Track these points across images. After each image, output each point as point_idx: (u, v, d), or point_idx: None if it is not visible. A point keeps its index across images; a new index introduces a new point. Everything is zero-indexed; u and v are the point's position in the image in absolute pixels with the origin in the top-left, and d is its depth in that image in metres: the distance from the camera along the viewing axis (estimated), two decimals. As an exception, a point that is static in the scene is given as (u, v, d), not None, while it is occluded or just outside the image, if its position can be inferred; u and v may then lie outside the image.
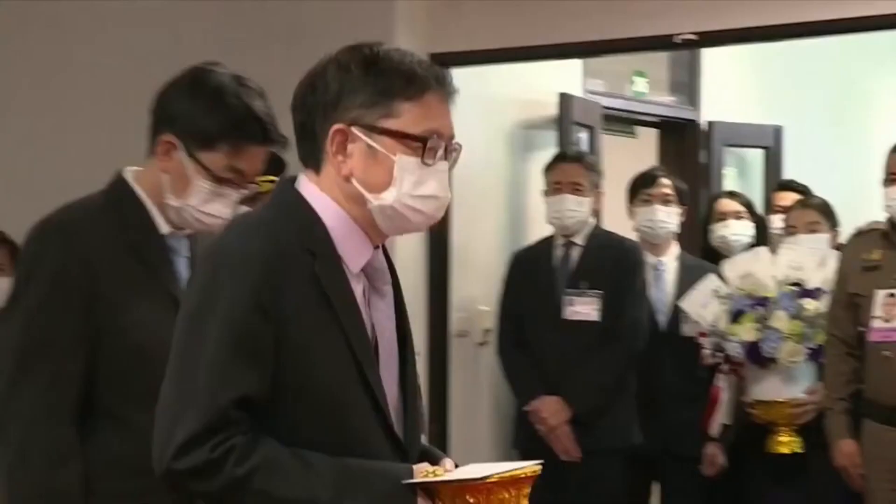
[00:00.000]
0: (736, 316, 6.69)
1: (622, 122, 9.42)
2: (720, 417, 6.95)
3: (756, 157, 9.99)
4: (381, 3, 7.17)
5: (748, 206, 7.87)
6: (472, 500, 2.87)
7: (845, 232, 6.99)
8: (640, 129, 9.94)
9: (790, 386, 6.62)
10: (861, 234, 6.52)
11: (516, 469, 2.92)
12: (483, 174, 7.46)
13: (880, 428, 5.96)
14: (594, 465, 6.71)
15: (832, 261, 6.67)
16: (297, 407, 2.78)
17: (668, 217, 7.28)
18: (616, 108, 8.89)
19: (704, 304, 6.85)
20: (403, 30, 7.09)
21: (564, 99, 7.94)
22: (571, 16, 6.93)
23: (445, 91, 2.90)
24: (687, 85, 9.60)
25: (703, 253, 7.74)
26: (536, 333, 6.52)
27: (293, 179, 2.95)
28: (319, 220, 2.87)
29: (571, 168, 6.97)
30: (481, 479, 2.85)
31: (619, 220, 7.49)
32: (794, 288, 6.75)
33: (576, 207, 6.76)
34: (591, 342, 6.78)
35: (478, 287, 7.53)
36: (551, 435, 6.66)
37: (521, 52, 7.16)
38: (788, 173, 9.43)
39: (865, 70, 10.88)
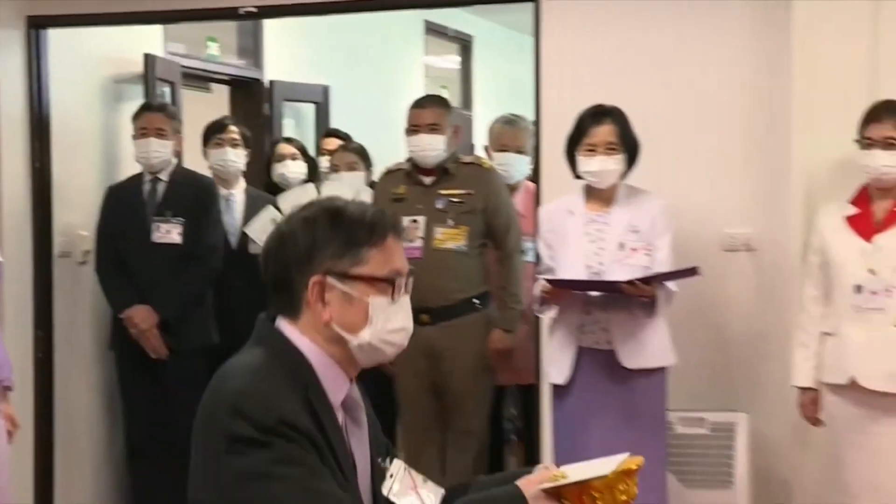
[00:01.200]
0: None
1: (199, 79, 9.94)
2: None
3: (309, 110, 10.88)
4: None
5: (302, 149, 8.67)
6: (596, 495, 3.06)
7: (378, 171, 7.65)
8: (215, 86, 10.54)
9: None
10: (389, 173, 7.22)
11: (623, 462, 3.11)
12: (80, 120, 7.91)
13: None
14: (180, 361, 7.24)
15: (365, 194, 7.32)
16: None
17: (237, 157, 7.83)
18: (193, 68, 9.48)
19: (264, 230, 7.16)
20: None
21: (148, 59, 8.39)
22: (154, -13, 7.44)
23: (398, 234, 3.10)
24: (252, 49, 10.30)
25: (266, 187, 8.36)
26: (129, 254, 7.00)
27: (272, 320, 3.07)
28: (304, 358, 2.97)
29: (155, 116, 7.42)
30: (602, 476, 3.05)
31: (197, 161, 8.00)
32: None
33: (159, 149, 7.26)
34: (175, 261, 7.32)
35: (78, 216, 7.78)
36: (142, 337, 7.10)
37: (110, 17, 7.48)
38: (334, 123, 10.39)
39: (397, 41, 12.25)
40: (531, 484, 3.02)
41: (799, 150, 6.30)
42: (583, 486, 2.99)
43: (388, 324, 2.97)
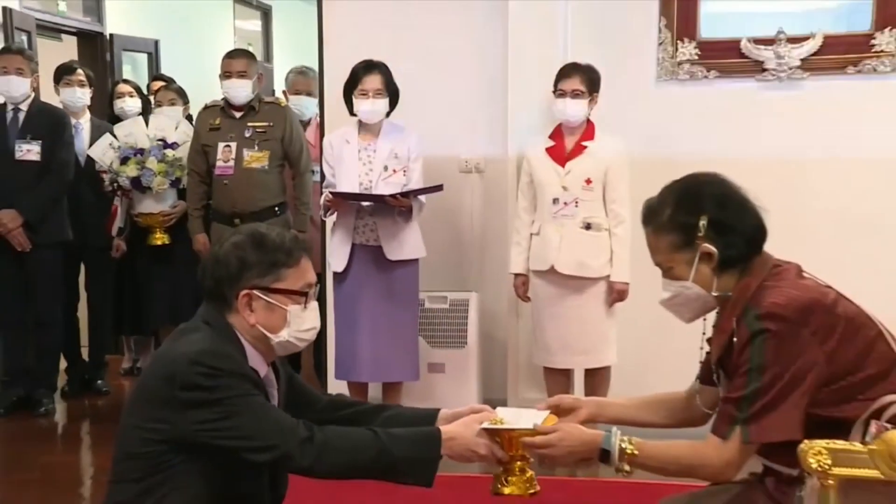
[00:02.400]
0: (124, 160, 7.31)
1: (51, 31, 9.60)
2: (118, 223, 7.64)
3: (143, 58, 10.78)
4: None
5: (137, 89, 8.46)
6: (520, 445, 3.09)
7: (195, 108, 7.67)
8: (65, 38, 10.08)
9: (160, 203, 7.38)
10: (207, 108, 7.19)
11: (545, 419, 3.15)
12: None
13: (222, 227, 6.69)
14: (41, 253, 7.26)
15: (184, 125, 7.52)
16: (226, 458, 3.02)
17: (83, 95, 7.77)
18: (45, 21, 9.24)
19: (104, 152, 7.43)
20: None
21: (6, 11, 8.28)
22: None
23: (309, 255, 3.20)
24: (96, 7, 10.09)
25: (108, 118, 8.18)
26: (-1, 170, 7.19)
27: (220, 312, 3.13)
28: (240, 341, 3.08)
29: (14, 57, 7.31)
30: (529, 430, 3.09)
31: (51, 97, 7.64)
32: (160, 142, 7.40)
33: (19, 85, 7.12)
34: (35, 174, 7.24)
35: None
36: (10, 235, 7.06)
37: None
38: (163, 70, 10.25)
39: (213, 8, 11.89)
40: (464, 422, 3.13)
41: (513, 99, 6.51)
42: (513, 433, 3.04)
43: (302, 325, 3.13)
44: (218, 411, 2.89)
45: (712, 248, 2.91)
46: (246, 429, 2.92)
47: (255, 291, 3.04)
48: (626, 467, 2.86)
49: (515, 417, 2.98)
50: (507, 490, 3.07)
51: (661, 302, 3.11)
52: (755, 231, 2.96)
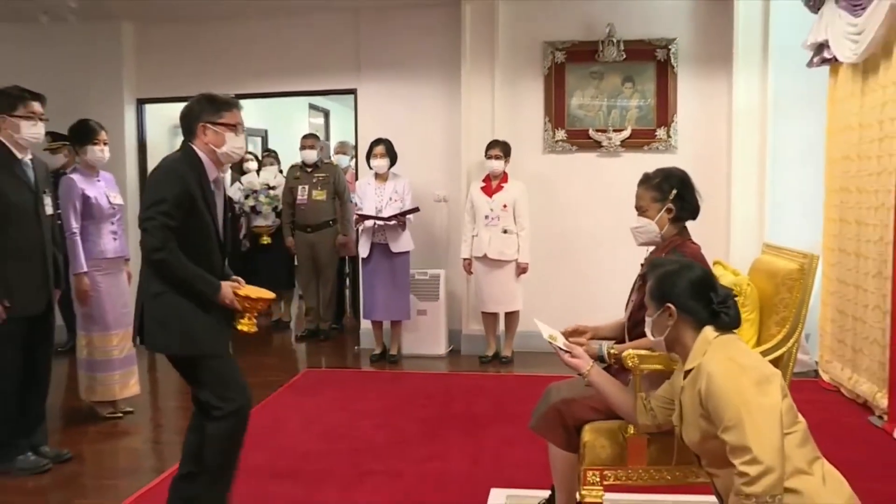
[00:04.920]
0: (246, 197, 7.46)
1: None
2: (243, 231, 7.67)
3: (259, 139, 10.30)
4: None
5: (255, 156, 8.31)
6: (247, 305, 3.17)
7: (286, 165, 7.35)
8: None
9: (266, 220, 7.48)
10: (292, 166, 7.08)
11: (265, 291, 3.24)
12: (157, 142, 7.67)
13: (300, 233, 6.79)
14: None
15: (280, 177, 7.35)
16: (191, 233, 3.06)
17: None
18: None
19: (235, 193, 7.54)
20: None
21: None
22: None
23: (237, 107, 3.19)
24: None
25: (239, 173, 8.10)
26: None
27: (188, 142, 3.15)
28: (198, 157, 3.12)
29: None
30: (263, 298, 3.21)
31: None
32: (265, 186, 7.48)
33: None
34: None
35: None
36: None
37: (169, 99, 7.09)
38: (269, 145, 10.03)
39: (295, 110, 11.23)
40: (230, 285, 3.17)
41: (464, 159, 6.67)
42: (248, 297, 3.17)
43: (234, 144, 3.18)
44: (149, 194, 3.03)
45: (673, 207, 2.99)
46: (150, 190, 3.05)
47: (208, 125, 3.13)
48: (611, 360, 2.86)
49: (545, 328, 2.80)
50: (240, 327, 3.20)
51: (631, 227, 3.10)
52: (695, 209, 3.04)
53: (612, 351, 2.84)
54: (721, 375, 2.15)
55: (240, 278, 3.26)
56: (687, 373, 2.31)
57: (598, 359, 2.84)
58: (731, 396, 2.11)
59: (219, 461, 3.12)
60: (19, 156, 3.87)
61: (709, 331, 2.31)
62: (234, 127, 3.14)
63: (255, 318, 3.23)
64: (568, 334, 2.97)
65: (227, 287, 3.09)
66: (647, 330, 2.41)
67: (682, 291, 2.31)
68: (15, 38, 7.05)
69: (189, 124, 3.13)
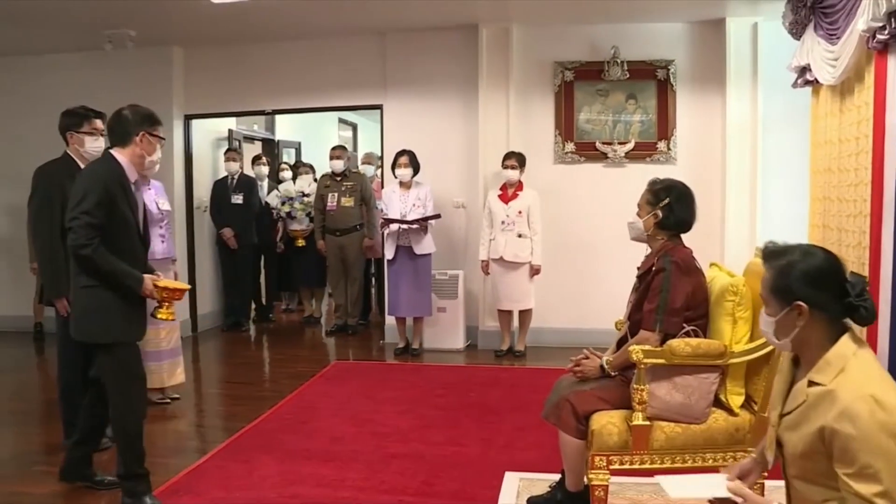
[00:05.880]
0: (282, 203, 7.44)
1: (249, 138, 8.94)
2: (280, 235, 7.67)
3: (293, 150, 10.12)
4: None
5: (290, 166, 8.40)
6: (165, 295, 3.21)
7: (318, 173, 7.30)
8: (256, 142, 9.35)
9: (300, 225, 7.43)
10: (323, 175, 7.02)
11: (181, 283, 3.30)
12: (203, 155, 7.67)
13: (330, 236, 6.78)
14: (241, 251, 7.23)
15: (313, 185, 7.25)
16: (114, 229, 3.08)
17: (265, 169, 7.86)
18: (248, 133, 8.82)
19: (273, 200, 7.55)
20: None
21: (230, 131, 8.06)
22: None
23: (161, 124, 3.25)
24: (272, 125, 9.54)
25: (276, 181, 8.00)
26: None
27: (110, 150, 3.19)
28: (118, 162, 3.14)
29: (234, 153, 7.33)
30: (179, 288, 3.25)
31: None
32: (300, 193, 7.44)
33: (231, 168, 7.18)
34: (244, 213, 7.32)
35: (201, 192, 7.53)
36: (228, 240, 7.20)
37: (215, 115, 7.31)
38: (303, 156, 9.94)
39: (327, 123, 11.10)
40: (151, 278, 3.19)
41: (481, 168, 6.60)
42: (166, 289, 3.18)
43: (159, 154, 3.27)
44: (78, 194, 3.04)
45: (660, 214, 2.95)
46: (75, 193, 3.05)
47: (145, 135, 3.19)
48: (610, 369, 2.90)
49: (676, 486, 2.03)
50: (160, 316, 3.23)
51: (628, 222, 3.08)
52: (682, 222, 2.96)
53: (609, 359, 2.91)
54: (864, 422, 1.67)
55: (159, 272, 3.32)
56: (811, 381, 1.82)
57: (600, 369, 2.89)
58: (873, 448, 1.66)
59: (122, 433, 3.20)
60: (83, 167, 3.91)
61: (847, 342, 1.81)
62: (162, 140, 3.23)
63: (173, 308, 3.24)
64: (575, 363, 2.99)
65: (148, 280, 3.13)
66: (766, 330, 1.91)
67: (811, 283, 1.79)
68: (83, 65, 7.15)
69: (126, 130, 3.16)
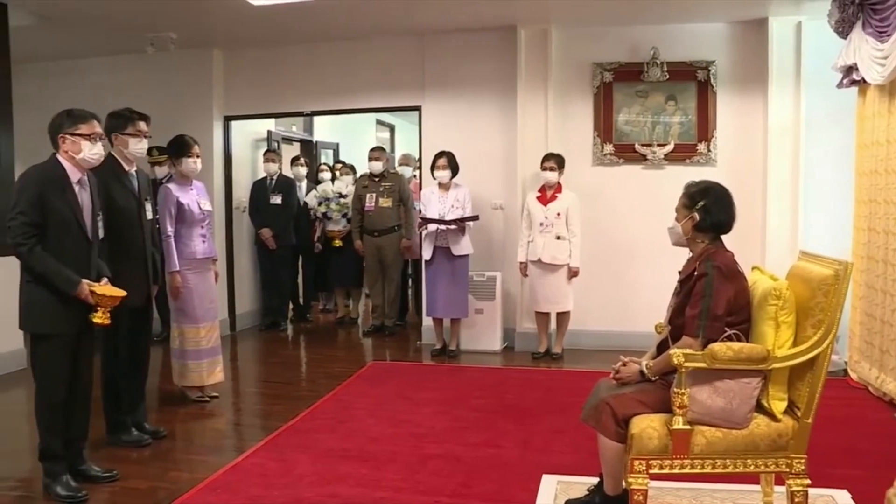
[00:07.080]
0: (320, 203, 7.44)
1: (288, 139, 9.05)
2: (318, 235, 7.67)
3: (331, 151, 10.20)
4: None
5: (329, 167, 8.40)
6: (99, 301, 3.24)
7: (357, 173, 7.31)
8: (295, 143, 9.42)
9: (337, 225, 7.44)
10: (361, 176, 7.05)
11: (118, 290, 3.30)
12: (243, 158, 7.75)
13: (368, 237, 6.77)
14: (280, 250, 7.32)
15: (352, 186, 7.23)
16: (52, 228, 3.13)
17: (303, 170, 7.95)
18: (287, 134, 8.84)
19: (311, 200, 7.57)
20: None
21: (269, 132, 8.12)
22: None
23: (93, 119, 3.24)
24: (310, 126, 9.61)
25: (315, 182, 8.07)
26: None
27: (55, 154, 3.23)
28: (60, 163, 3.19)
29: (271, 153, 7.37)
30: (114, 295, 3.29)
31: None
32: (337, 194, 7.46)
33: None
34: (281, 213, 7.38)
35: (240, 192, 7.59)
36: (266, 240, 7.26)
37: (254, 116, 7.34)
38: (341, 157, 10.02)
39: (365, 125, 11.23)
40: (87, 283, 3.22)
41: (520, 170, 6.56)
42: (103, 294, 3.24)
43: (91, 151, 3.25)
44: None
45: (697, 217, 2.92)
46: (13, 195, 3.12)
47: (67, 136, 3.22)
48: (650, 374, 2.89)
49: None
50: (95, 319, 3.25)
51: (667, 227, 3.05)
52: (720, 224, 2.92)
53: (648, 364, 2.90)
54: None
55: (106, 277, 3.36)
56: None
57: (640, 374, 2.88)
58: None
59: (36, 417, 3.26)
60: (127, 168, 3.98)
61: None
62: (90, 136, 3.20)
63: (108, 313, 3.27)
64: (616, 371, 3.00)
65: (83, 285, 3.17)
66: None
67: None
68: (127, 67, 7.26)
69: (52, 136, 3.22)
